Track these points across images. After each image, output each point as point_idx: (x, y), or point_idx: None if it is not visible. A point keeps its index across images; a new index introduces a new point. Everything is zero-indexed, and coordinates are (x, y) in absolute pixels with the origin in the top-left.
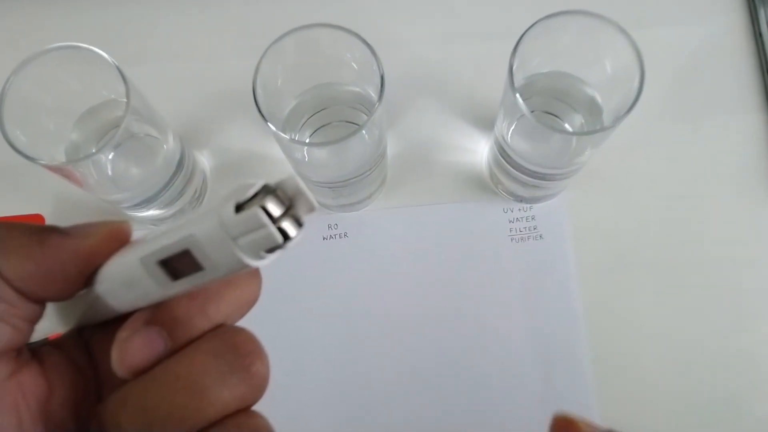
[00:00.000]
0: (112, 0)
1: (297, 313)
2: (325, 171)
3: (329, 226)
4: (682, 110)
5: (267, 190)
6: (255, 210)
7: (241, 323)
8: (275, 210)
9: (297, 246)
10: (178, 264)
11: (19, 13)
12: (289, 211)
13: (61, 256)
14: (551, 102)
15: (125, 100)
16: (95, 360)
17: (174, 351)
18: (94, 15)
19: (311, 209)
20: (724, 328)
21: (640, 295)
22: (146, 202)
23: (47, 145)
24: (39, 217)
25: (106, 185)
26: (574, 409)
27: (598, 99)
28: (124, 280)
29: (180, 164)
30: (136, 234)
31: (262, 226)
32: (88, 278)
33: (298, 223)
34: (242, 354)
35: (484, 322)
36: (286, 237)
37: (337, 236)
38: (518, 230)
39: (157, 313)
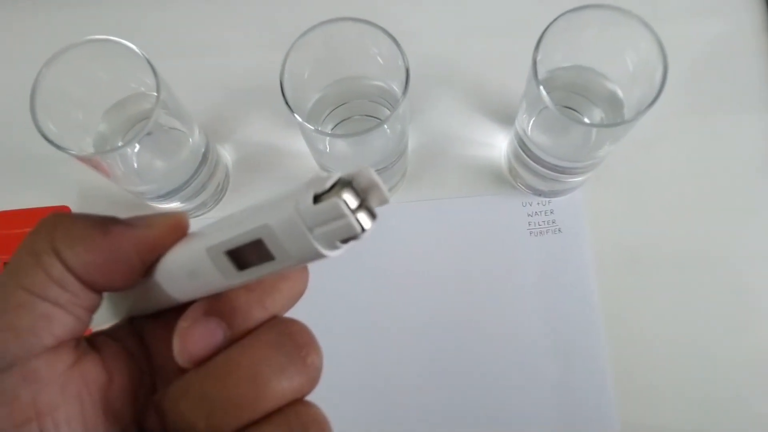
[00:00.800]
0: None
1: (315, 306)
2: (347, 163)
3: None
4: (700, 105)
5: (343, 182)
6: (335, 200)
7: None
8: (352, 202)
9: (369, 237)
10: (247, 254)
11: (52, 6)
12: (363, 203)
13: (125, 245)
14: (572, 97)
15: (154, 93)
16: (149, 350)
17: (232, 341)
18: (120, 9)
19: (384, 201)
20: (740, 322)
21: (657, 289)
22: (170, 195)
23: (76, 135)
24: (66, 209)
25: (131, 177)
26: (591, 402)
27: (620, 93)
28: (188, 270)
29: (204, 157)
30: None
31: (342, 216)
32: (148, 268)
33: (372, 215)
34: (299, 345)
35: (502, 315)
36: (361, 228)
37: None
38: (537, 224)
39: (216, 304)
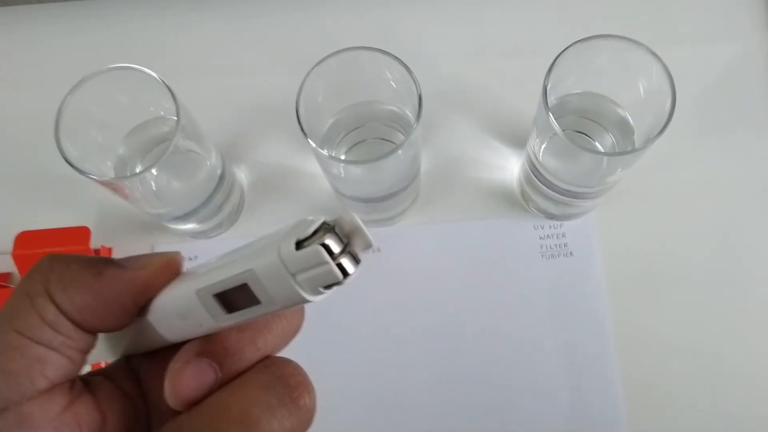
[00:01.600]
0: (156, 16)
1: (328, 327)
2: (360, 187)
3: None
4: (711, 128)
5: (326, 228)
6: (316, 248)
7: None
8: (335, 247)
9: (353, 282)
10: (235, 297)
11: (76, 31)
12: (346, 247)
13: (117, 287)
14: (583, 122)
15: (172, 117)
16: (144, 389)
17: (224, 382)
18: (141, 31)
19: (368, 246)
20: (754, 346)
21: (669, 312)
22: (187, 216)
23: (96, 159)
24: (85, 230)
25: (150, 199)
26: (604, 426)
27: (630, 120)
28: (179, 311)
29: (221, 179)
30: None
31: (324, 263)
32: (141, 308)
33: (356, 260)
34: (291, 386)
35: (514, 338)
36: (344, 273)
37: (370, 251)
38: (549, 247)
39: (207, 345)
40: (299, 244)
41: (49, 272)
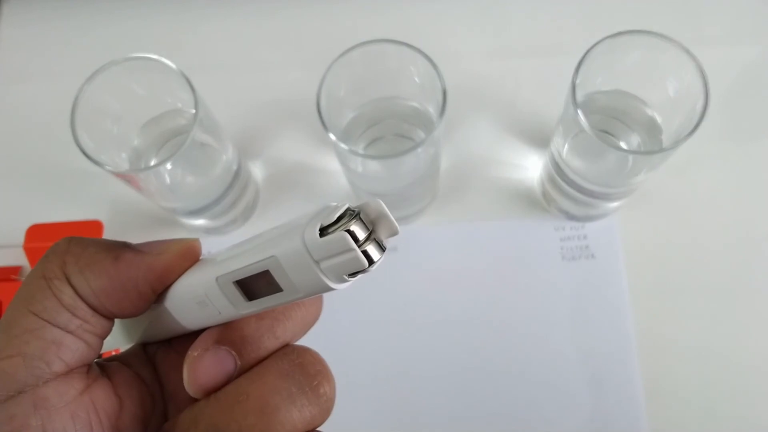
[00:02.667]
0: (173, 10)
1: (345, 326)
2: (379, 183)
3: None
4: (737, 131)
5: (351, 214)
6: (341, 234)
7: None
8: (360, 234)
9: (378, 269)
10: (256, 284)
11: (93, 22)
12: (371, 234)
13: (135, 272)
14: (609, 121)
15: (189, 109)
16: (161, 376)
17: (243, 371)
18: (159, 25)
19: (394, 232)
20: None
21: (692, 317)
22: (201, 211)
23: (111, 150)
24: (98, 224)
25: (164, 192)
26: (623, 430)
27: (658, 120)
28: (198, 298)
29: (236, 174)
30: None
31: (349, 249)
32: (158, 295)
33: (381, 247)
34: (311, 374)
35: (534, 340)
36: (369, 261)
37: (387, 249)
38: (570, 249)
39: (226, 333)
40: (323, 231)
41: (66, 255)
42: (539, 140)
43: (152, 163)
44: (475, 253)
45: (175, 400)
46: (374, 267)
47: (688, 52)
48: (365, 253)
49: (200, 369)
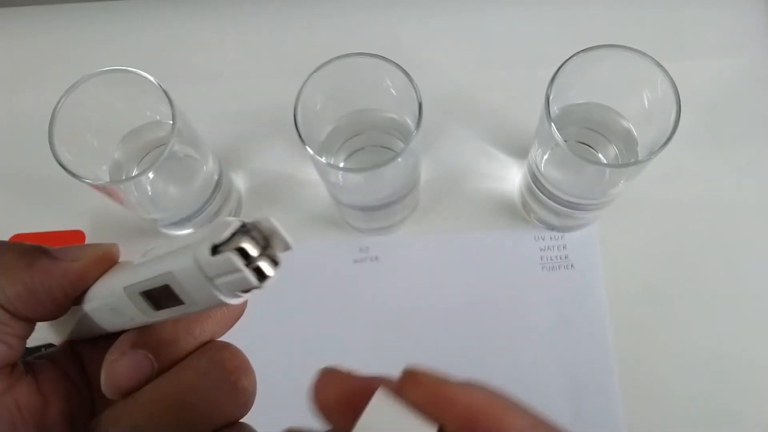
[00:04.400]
0: (152, 20)
1: (327, 335)
2: (359, 195)
3: (360, 249)
4: (716, 141)
5: (243, 231)
6: (228, 255)
7: (272, 345)
8: (252, 250)
9: (275, 285)
10: (160, 296)
11: (71, 34)
12: (265, 250)
13: (48, 279)
14: (586, 133)
15: (169, 121)
16: (88, 373)
17: (163, 370)
18: (138, 36)
19: (287, 248)
20: (756, 360)
21: (671, 325)
22: (183, 222)
23: (91, 163)
24: (80, 234)
25: (145, 204)
26: None
27: (634, 131)
28: (110, 306)
29: (218, 185)
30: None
31: (237, 270)
32: (76, 299)
33: (275, 263)
34: (228, 371)
35: (514, 349)
36: (263, 276)
37: (368, 259)
38: (549, 258)
39: (143, 336)
40: (216, 248)
41: None
42: (519, 151)
43: (132, 174)
44: (455, 263)
45: (102, 397)
46: (268, 282)
47: (659, 64)
48: (258, 269)
49: (117, 372)
